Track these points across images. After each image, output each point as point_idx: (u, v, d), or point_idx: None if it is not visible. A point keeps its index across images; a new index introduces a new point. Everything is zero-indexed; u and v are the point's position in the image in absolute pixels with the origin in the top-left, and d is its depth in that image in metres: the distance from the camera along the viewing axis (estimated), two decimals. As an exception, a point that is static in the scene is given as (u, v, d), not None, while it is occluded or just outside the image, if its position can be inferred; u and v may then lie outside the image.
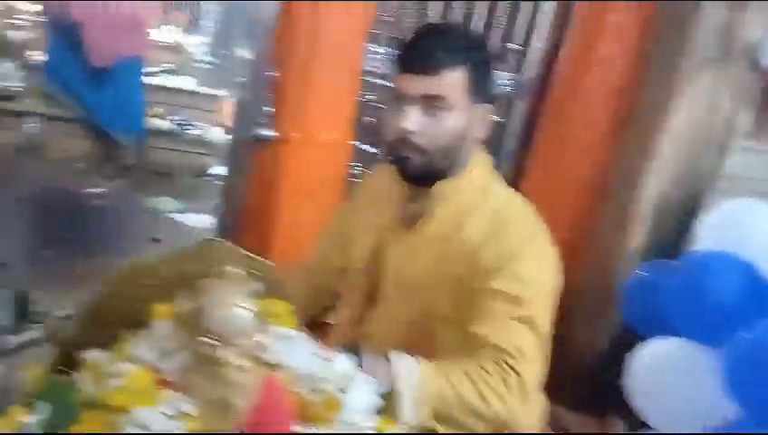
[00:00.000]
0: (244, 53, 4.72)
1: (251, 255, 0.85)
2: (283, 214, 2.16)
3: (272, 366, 0.75)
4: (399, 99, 1.17)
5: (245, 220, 2.15)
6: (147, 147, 4.19)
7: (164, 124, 4.35)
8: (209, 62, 4.87)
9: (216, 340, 0.69)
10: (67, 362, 0.83)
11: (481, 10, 2.48)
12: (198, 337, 0.69)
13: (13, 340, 2.36)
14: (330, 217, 1.52)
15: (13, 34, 4.18)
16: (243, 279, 0.71)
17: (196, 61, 4.86)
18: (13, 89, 4.05)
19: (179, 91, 4.66)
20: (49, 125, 4.05)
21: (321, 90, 2.06)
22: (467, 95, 1.17)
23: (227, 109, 4.89)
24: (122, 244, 3.22)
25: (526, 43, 2.39)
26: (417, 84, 1.14)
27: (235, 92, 4.84)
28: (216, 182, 4.29)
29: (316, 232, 2.36)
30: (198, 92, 4.71)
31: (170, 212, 3.64)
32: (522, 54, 2.37)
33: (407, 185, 1.26)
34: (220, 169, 4.42)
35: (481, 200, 1.22)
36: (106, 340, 0.83)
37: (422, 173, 1.20)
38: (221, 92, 4.83)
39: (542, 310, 1.16)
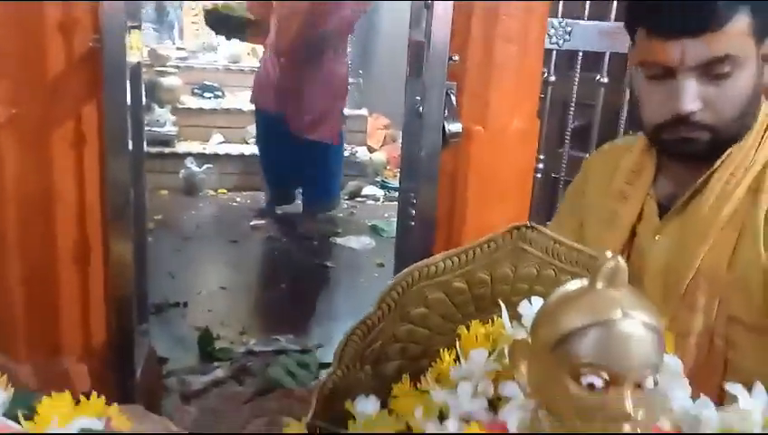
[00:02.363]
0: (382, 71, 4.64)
1: (571, 243, 0.59)
2: (470, 217, 1.89)
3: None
4: (665, 71, 0.87)
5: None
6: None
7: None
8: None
9: (602, 376, 0.43)
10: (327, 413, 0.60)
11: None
12: (570, 373, 0.44)
13: (200, 380, 2.30)
14: (559, 211, 1.24)
15: (163, 81, 4.29)
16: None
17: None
18: (169, 134, 4.14)
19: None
20: (204, 164, 4.10)
21: (503, 75, 1.79)
22: (753, 38, 0.86)
23: (374, 129, 4.77)
24: (292, 272, 3.14)
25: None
26: (693, 50, 0.84)
27: (378, 112, 4.79)
28: (368, 202, 4.16)
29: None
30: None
31: (332, 237, 3.50)
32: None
33: (670, 162, 0.98)
34: (372, 190, 4.29)
35: None
36: (382, 381, 0.60)
37: (709, 152, 0.91)
38: (362, 112, 4.72)
39: None
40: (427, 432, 0.52)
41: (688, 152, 0.92)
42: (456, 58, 1.67)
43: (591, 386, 0.44)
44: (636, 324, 0.44)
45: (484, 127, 1.81)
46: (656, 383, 0.45)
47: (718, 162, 0.92)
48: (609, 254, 0.46)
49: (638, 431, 0.43)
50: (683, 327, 0.92)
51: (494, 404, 0.53)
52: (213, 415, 2.05)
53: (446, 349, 0.58)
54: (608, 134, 2.17)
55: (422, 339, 0.61)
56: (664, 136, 0.92)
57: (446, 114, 1.66)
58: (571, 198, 1.19)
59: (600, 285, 0.46)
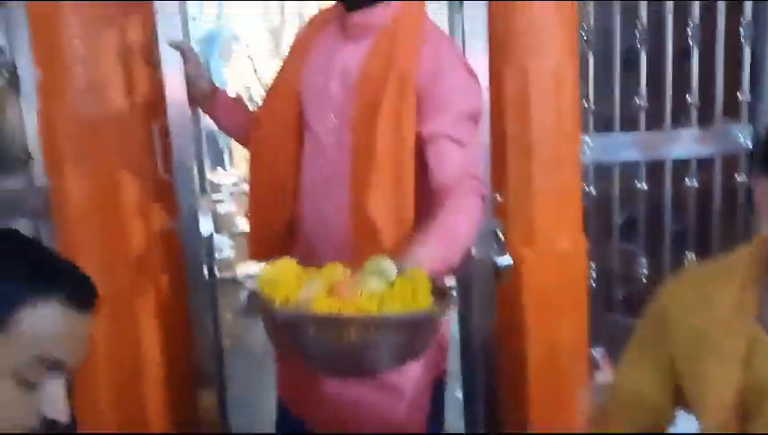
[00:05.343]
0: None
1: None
2: (531, 335, 1.95)
3: None
4: None
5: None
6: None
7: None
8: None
9: None
10: None
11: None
12: None
13: None
14: (640, 343, 1.18)
15: (219, 209, 4.52)
16: None
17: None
18: (229, 259, 4.33)
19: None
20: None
21: (544, 198, 1.89)
22: None
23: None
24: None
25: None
26: None
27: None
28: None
29: (570, 349, 2.13)
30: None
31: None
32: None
33: None
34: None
35: None
36: None
37: None
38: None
39: None
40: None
41: None
42: (500, 198, 1.78)
43: None
44: None
45: (533, 251, 1.89)
46: None
47: None
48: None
49: None
50: None
51: None
52: None
53: None
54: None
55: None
56: None
57: (496, 249, 1.75)
58: (651, 327, 1.16)
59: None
